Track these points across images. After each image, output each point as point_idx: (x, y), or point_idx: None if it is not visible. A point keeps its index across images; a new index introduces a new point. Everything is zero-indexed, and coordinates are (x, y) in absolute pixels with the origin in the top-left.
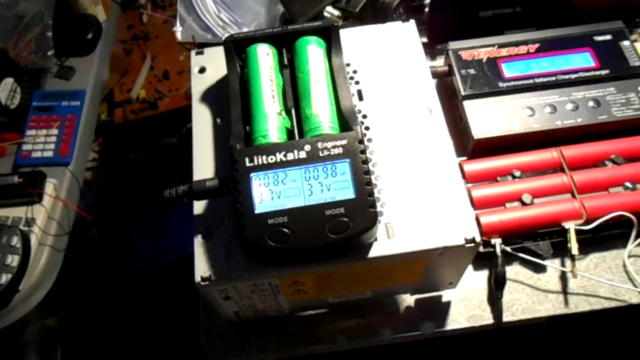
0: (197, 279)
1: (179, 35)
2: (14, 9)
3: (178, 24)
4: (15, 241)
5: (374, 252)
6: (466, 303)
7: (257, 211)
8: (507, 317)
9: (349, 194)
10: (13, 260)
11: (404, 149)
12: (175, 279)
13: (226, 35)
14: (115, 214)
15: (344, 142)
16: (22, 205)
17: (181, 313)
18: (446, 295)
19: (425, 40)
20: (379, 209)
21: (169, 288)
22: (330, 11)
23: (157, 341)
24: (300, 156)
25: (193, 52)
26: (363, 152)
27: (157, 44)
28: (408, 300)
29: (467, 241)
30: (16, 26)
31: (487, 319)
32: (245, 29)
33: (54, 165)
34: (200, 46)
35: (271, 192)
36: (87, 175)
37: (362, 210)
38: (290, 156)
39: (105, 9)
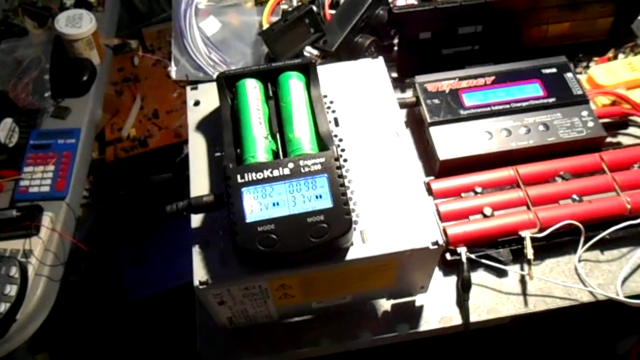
0: (196, 283)
1: (173, 74)
2: (13, 54)
3: (173, 64)
4: (14, 271)
5: (350, 255)
6: (437, 306)
7: (248, 220)
8: (473, 317)
9: (327, 203)
10: (11, 290)
11: (376, 167)
12: (166, 310)
13: (217, 73)
14: (106, 248)
15: (322, 160)
16: (20, 237)
17: (172, 343)
18: (419, 299)
19: (395, 75)
20: (354, 218)
21: (160, 319)
22: (310, 51)
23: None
24: (285, 172)
25: (188, 88)
26: (339, 168)
27: (146, 85)
28: (385, 305)
29: (432, 244)
30: (15, 70)
31: (456, 320)
32: (233, 67)
33: (51, 199)
34: (192, 84)
35: (260, 204)
36: (78, 212)
37: (339, 217)
38: (276, 173)
39: (99, 53)
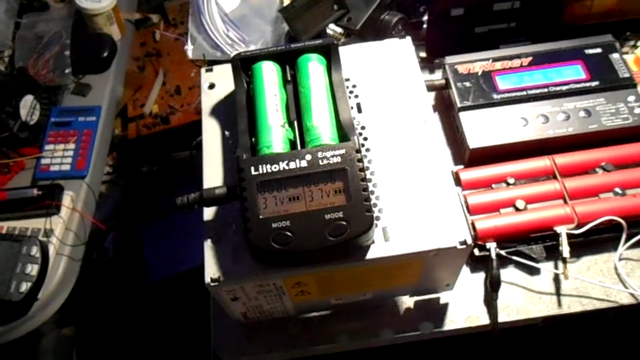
0: (207, 280)
1: (190, 54)
2: (33, 29)
3: (189, 42)
4: (35, 251)
5: (371, 254)
6: (463, 305)
7: (262, 216)
8: (502, 317)
9: (346, 199)
10: (33, 269)
11: (401, 158)
12: (188, 289)
13: (235, 52)
14: (129, 225)
15: (342, 151)
16: (40, 216)
17: (193, 320)
18: (444, 297)
19: (423, 55)
20: (376, 214)
21: (181, 298)
22: (333, 29)
23: (169, 348)
24: (302, 165)
25: (203, 70)
26: (360, 160)
27: (169, 60)
28: (407, 302)
29: (460, 243)
30: (35, 46)
31: (484, 319)
32: (252, 47)
33: (71, 178)
34: (210, 63)
35: (275, 198)
36: (101, 189)
37: (359, 214)
38: (292, 165)
39: (120, 28)
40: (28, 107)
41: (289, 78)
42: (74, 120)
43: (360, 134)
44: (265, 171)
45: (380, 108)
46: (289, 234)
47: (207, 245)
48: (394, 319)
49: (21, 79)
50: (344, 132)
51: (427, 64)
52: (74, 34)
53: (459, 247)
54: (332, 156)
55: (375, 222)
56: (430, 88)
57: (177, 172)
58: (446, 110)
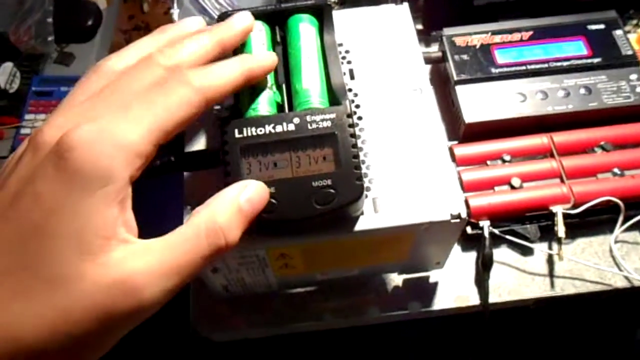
0: None
1: (175, 18)
2: None
3: (175, 6)
4: None
5: (360, 226)
6: (453, 284)
7: None
8: (493, 298)
9: (335, 166)
10: None
11: (394, 127)
12: None
13: None
14: None
15: (332, 115)
16: None
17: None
18: (433, 275)
19: (420, 26)
20: (366, 184)
21: None
22: None
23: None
24: (289, 128)
25: None
26: (351, 126)
27: None
28: (396, 280)
29: (453, 217)
30: (17, 11)
31: (474, 300)
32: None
33: None
34: None
35: (259, 163)
36: None
37: (348, 182)
38: (279, 128)
39: None
40: (7, 74)
41: (278, 40)
42: (55, 90)
43: (352, 101)
44: (249, 134)
45: (374, 75)
46: (273, 201)
47: (188, 212)
48: (382, 297)
49: (1, 45)
50: (335, 96)
51: (424, 36)
52: (57, 1)
53: (452, 221)
54: (322, 120)
55: (365, 192)
56: (427, 61)
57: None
58: (442, 84)
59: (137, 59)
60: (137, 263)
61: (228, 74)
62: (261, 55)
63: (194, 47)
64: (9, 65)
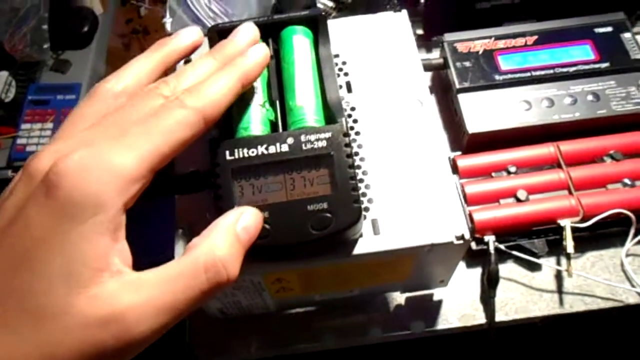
0: None
1: (168, 27)
2: (9, 1)
3: (168, 15)
4: None
5: (359, 249)
6: (458, 302)
7: (237, 206)
8: (499, 316)
9: (332, 188)
10: None
11: (394, 143)
12: None
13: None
14: None
15: (328, 135)
16: None
17: None
18: (437, 293)
19: (420, 32)
20: (365, 204)
21: None
22: (324, 2)
23: None
24: (283, 149)
25: None
26: (348, 145)
27: (156, 38)
28: (398, 298)
29: (457, 238)
30: (11, 19)
31: (480, 318)
32: (236, 19)
33: None
34: None
35: (252, 187)
36: None
37: (346, 205)
38: (272, 149)
39: (102, 1)
40: (3, 83)
41: (271, 53)
42: (52, 99)
43: (350, 115)
44: (241, 156)
45: (372, 87)
46: (267, 226)
47: (179, 236)
48: (384, 317)
49: None
50: (331, 113)
51: (424, 42)
52: (52, 7)
53: (455, 242)
54: (317, 140)
55: (364, 213)
56: (427, 68)
57: None
58: (443, 92)
59: (135, 79)
60: (130, 297)
61: (223, 86)
62: (252, 52)
63: (199, 75)
64: (4, 74)
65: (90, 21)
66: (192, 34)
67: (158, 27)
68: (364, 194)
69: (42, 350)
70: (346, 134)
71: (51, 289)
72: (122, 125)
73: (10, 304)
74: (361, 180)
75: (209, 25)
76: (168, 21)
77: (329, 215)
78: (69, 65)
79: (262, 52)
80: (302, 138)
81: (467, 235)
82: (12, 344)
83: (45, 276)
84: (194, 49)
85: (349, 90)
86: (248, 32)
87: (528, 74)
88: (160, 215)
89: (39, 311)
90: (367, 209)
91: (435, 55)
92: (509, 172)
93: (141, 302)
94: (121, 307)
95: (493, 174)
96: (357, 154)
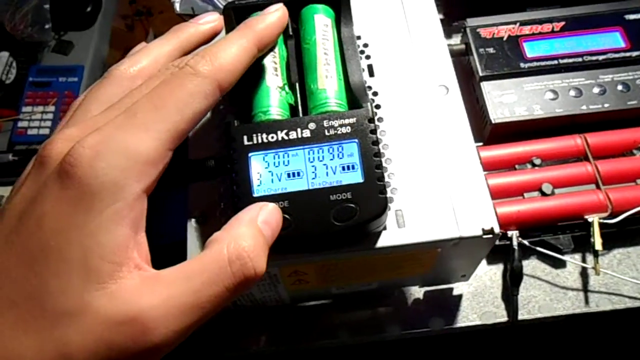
0: None
1: (177, 7)
2: None
3: None
4: None
5: (382, 242)
6: (478, 299)
7: (255, 194)
8: (522, 314)
9: (356, 177)
10: None
11: (418, 130)
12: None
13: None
14: None
15: (352, 120)
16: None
17: None
18: (457, 288)
19: (441, 16)
20: (389, 194)
21: None
22: None
23: None
24: (304, 135)
25: None
26: (373, 131)
27: (160, 19)
28: (417, 293)
29: (485, 232)
30: None
31: (501, 316)
32: None
33: None
34: None
35: (271, 174)
36: None
37: (371, 195)
38: (292, 135)
39: None
40: (4, 64)
41: (290, 32)
42: (54, 81)
43: (373, 100)
44: (260, 141)
45: (396, 72)
46: (286, 216)
47: (191, 226)
48: (401, 312)
49: None
50: (353, 97)
51: (446, 27)
52: None
53: (484, 236)
54: (341, 125)
55: (388, 204)
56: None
57: None
58: (465, 79)
59: (152, 61)
60: (150, 297)
61: (237, 49)
62: (267, 13)
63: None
64: (5, 54)
65: (94, 1)
66: (211, 20)
67: (162, 7)
68: (387, 184)
69: (60, 350)
70: (371, 120)
71: (68, 287)
72: (137, 107)
73: (25, 306)
74: (385, 169)
75: (219, 5)
76: (177, 1)
77: (353, 205)
78: (71, 46)
79: (279, 12)
80: (325, 123)
81: (497, 229)
82: (26, 345)
83: (62, 274)
84: (214, 35)
85: (371, 74)
86: (277, 12)
87: (555, 62)
88: (172, 203)
89: (56, 311)
90: (391, 200)
91: (456, 40)
92: (533, 165)
93: (161, 301)
94: (140, 308)
95: (517, 166)
96: (380, 140)
